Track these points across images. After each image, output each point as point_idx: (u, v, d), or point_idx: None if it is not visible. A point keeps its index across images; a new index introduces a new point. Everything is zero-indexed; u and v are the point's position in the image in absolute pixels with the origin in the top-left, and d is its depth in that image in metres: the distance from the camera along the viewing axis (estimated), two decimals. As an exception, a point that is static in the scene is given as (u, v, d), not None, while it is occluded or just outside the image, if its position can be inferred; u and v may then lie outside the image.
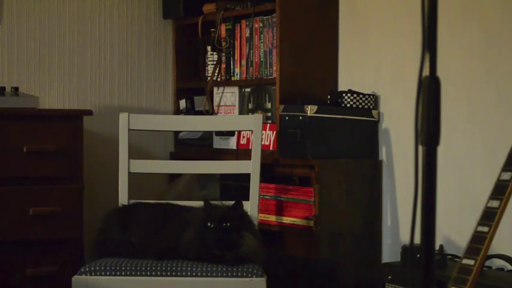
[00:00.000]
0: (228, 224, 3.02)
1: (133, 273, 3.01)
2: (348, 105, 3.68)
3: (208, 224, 3.02)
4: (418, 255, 1.51)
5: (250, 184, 3.39)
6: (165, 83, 4.46)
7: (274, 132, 3.79)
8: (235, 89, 4.09)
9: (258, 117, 3.44)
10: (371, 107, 3.71)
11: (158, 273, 3.00)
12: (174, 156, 4.36)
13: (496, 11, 3.28)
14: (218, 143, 4.14)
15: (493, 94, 3.29)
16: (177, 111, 4.41)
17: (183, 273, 3.00)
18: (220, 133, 4.10)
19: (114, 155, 3.57)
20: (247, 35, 4.03)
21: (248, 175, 3.40)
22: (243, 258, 3.03)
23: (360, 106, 3.69)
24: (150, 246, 3.12)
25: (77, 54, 4.20)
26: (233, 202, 3.11)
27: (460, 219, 3.38)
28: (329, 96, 3.72)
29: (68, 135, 3.65)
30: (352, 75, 3.86)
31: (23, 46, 4.06)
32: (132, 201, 3.39)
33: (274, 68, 3.82)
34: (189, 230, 3.08)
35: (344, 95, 3.69)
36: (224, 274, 3.00)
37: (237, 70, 4.10)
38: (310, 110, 3.58)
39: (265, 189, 3.72)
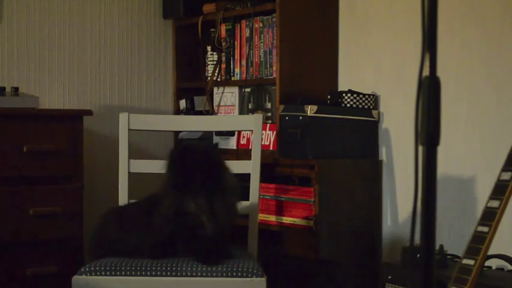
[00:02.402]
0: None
1: (133, 273, 3.00)
2: (348, 105, 3.68)
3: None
4: (418, 255, 1.50)
5: (250, 184, 3.39)
6: (165, 83, 4.46)
7: (274, 132, 3.79)
8: (235, 89, 4.09)
9: (258, 117, 3.44)
10: (371, 107, 3.71)
11: (158, 273, 3.00)
12: (174, 156, 4.36)
13: (496, 11, 3.28)
14: (218, 143, 4.14)
15: (492, 94, 3.29)
16: (177, 111, 4.41)
17: (183, 273, 3.00)
18: (220, 133, 4.10)
19: (114, 155, 3.57)
20: (247, 35, 4.03)
21: (248, 175, 3.40)
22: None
23: (360, 106, 3.68)
24: (145, 243, 3.09)
25: (77, 54, 4.20)
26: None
27: (460, 219, 3.38)
28: (329, 96, 3.72)
29: (68, 135, 3.65)
30: (352, 75, 3.86)
31: (23, 46, 4.06)
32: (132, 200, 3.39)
33: (274, 68, 3.82)
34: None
35: (344, 95, 3.69)
36: (224, 274, 3.00)
37: (237, 70, 4.10)
38: (310, 110, 3.58)
39: (265, 189, 3.72)
